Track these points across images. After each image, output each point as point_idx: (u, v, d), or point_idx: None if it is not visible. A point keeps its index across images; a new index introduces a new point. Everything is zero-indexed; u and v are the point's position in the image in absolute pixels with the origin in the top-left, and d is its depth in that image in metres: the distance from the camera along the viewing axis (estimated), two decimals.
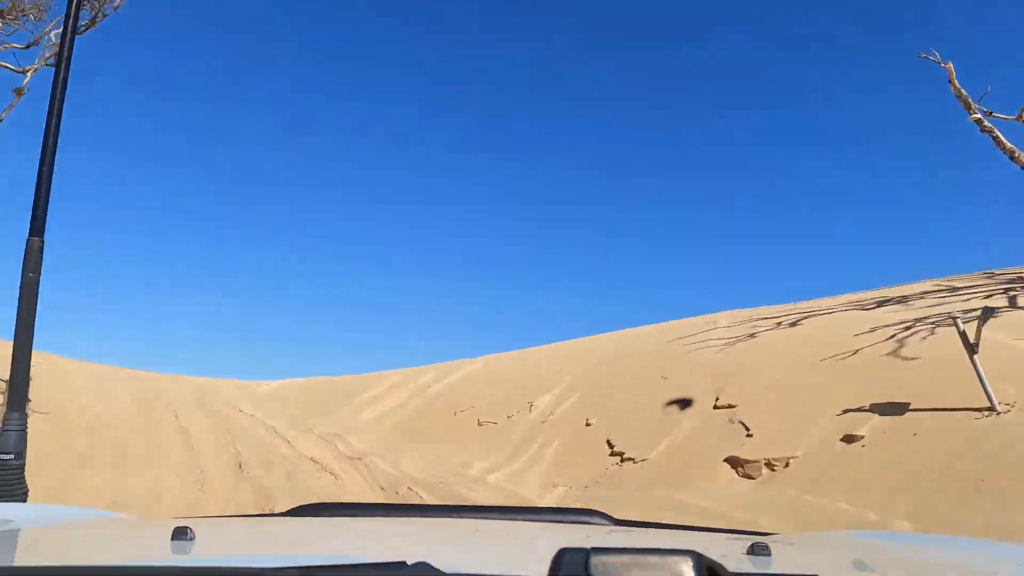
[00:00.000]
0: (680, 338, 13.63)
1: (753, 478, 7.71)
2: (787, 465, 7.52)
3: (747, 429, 8.58)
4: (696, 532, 1.94)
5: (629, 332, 16.56)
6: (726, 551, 1.41)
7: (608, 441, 9.88)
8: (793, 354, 10.32)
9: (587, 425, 10.78)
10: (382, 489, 9.25)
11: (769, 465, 7.67)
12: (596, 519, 1.83)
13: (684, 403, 10.23)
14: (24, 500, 4.86)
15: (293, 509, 1.88)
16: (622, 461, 9.24)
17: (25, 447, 5.02)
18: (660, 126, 49.31)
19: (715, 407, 9.64)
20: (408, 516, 1.96)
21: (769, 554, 1.29)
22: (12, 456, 4.92)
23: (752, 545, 1.33)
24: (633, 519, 1.95)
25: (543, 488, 9.11)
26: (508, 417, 12.29)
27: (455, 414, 13.38)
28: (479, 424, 12.45)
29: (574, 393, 12.25)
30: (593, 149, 52.05)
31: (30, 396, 5.40)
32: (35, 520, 1.77)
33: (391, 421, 14.61)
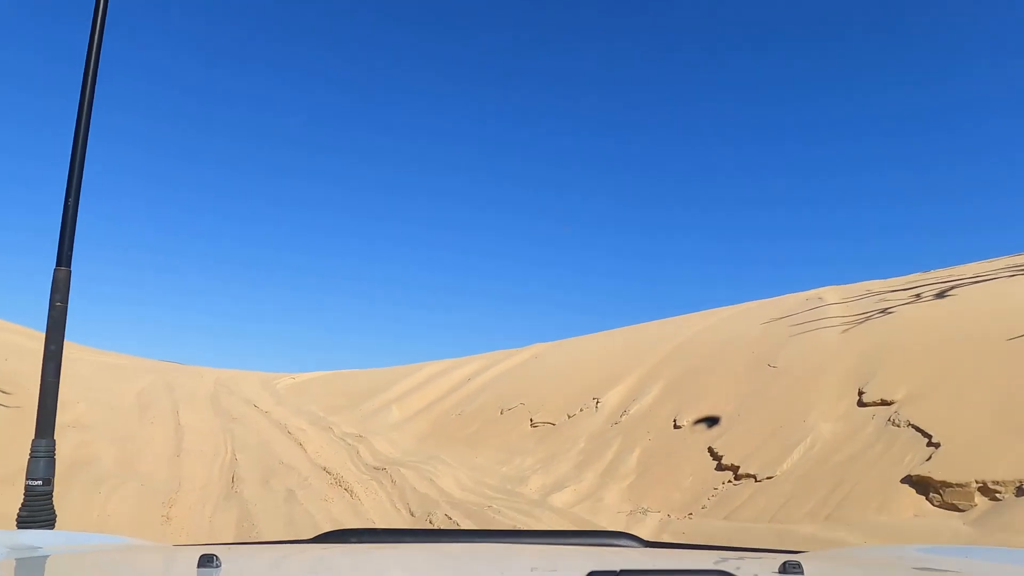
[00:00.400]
0: (782, 317, 11.00)
1: (960, 510, 5.13)
2: (1022, 492, 4.92)
3: (926, 435, 5.98)
4: (726, 551, 1.77)
5: (711, 314, 13.90)
6: (758, 570, 1.33)
7: (712, 450, 7.36)
8: (962, 332, 7.63)
9: (676, 427, 8.27)
10: (411, 515, 6.89)
11: (987, 491, 5.08)
12: (626, 541, 1.81)
13: (808, 398, 7.65)
14: (52, 527, 4.74)
15: (320, 536, 1.87)
16: (737, 478, 6.73)
17: (53, 474, 4.93)
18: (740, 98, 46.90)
19: (861, 403, 7.05)
20: (437, 542, 1.90)
21: (801, 572, 1.26)
22: (40, 483, 4.90)
23: (784, 564, 1.28)
24: None
25: (629, 516, 6.64)
26: (569, 416, 9.83)
27: (502, 412, 10.98)
28: (532, 425, 10.01)
29: (653, 386, 9.72)
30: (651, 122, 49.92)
31: None
32: (62, 547, 1.78)
33: (425, 420, 12.27)
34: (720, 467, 7.02)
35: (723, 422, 7.91)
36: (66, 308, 5.13)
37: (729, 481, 6.75)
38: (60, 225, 5.16)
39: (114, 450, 8.73)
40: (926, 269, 12.73)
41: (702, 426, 8.04)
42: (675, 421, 8.39)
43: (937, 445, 5.77)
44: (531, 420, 10.08)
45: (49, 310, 5.12)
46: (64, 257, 5.14)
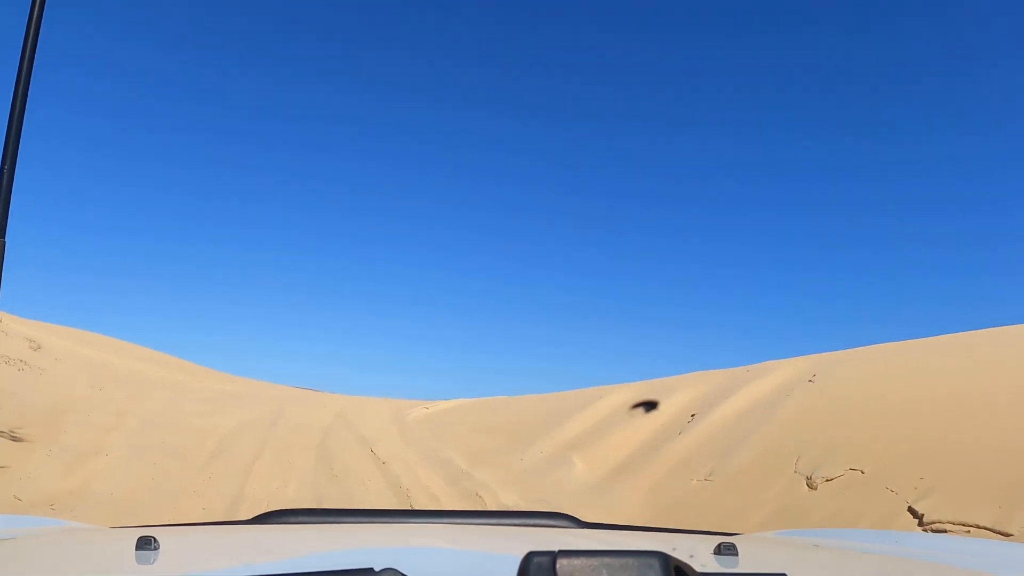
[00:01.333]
0: None
1: None
2: None
3: None
4: (663, 533, 1.88)
5: None
6: (693, 551, 1.36)
7: None
8: None
9: None
10: None
11: None
12: (564, 522, 1.81)
13: None
14: None
15: (260, 516, 1.82)
16: None
17: None
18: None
19: None
20: (378, 521, 1.88)
21: (736, 553, 1.29)
22: None
23: (719, 545, 1.32)
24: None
25: None
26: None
27: (812, 483, 5.63)
28: (916, 517, 4.61)
29: None
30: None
31: None
32: None
33: (639, 484, 7.23)
34: None
35: None
36: None
37: None
38: None
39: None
40: None
41: None
42: None
43: None
44: (909, 507, 4.69)
45: None
46: None
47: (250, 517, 1.87)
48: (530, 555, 0.85)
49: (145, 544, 1.26)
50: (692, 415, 8.66)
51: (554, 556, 0.84)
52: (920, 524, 4.59)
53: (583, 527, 1.78)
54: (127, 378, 18.65)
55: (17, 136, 4.70)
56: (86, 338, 25.41)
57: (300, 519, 1.81)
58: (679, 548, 1.24)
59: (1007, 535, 4.10)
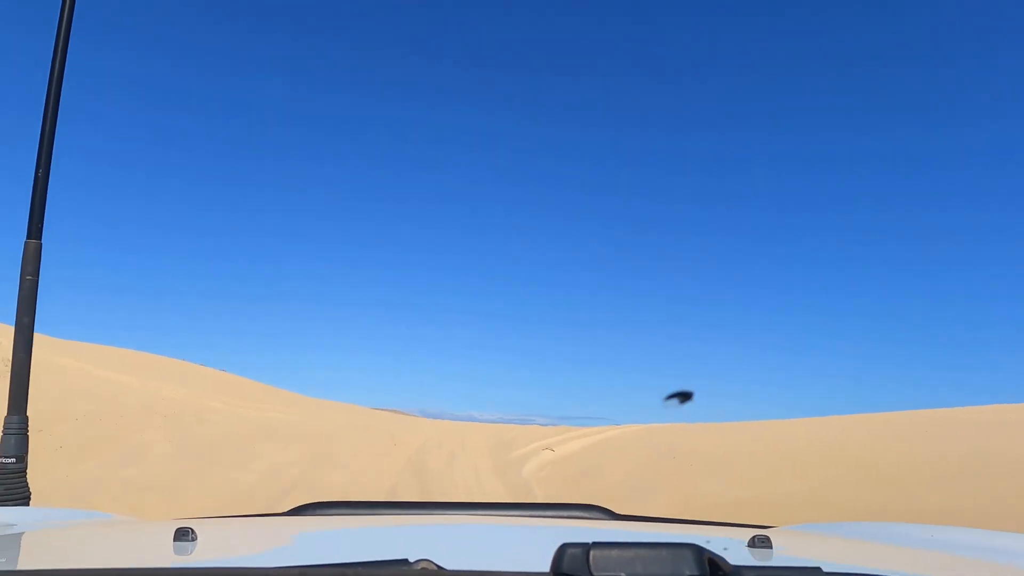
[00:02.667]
0: None
1: None
2: None
3: None
4: (697, 525, 1.86)
5: None
6: (727, 544, 1.34)
7: None
8: None
9: None
10: None
11: None
12: (597, 513, 1.81)
13: None
14: (27, 503, 4.83)
15: (296, 508, 1.84)
16: None
17: (26, 451, 5.11)
18: None
19: None
20: (412, 513, 1.87)
21: (770, 546, 1.29)
22: (13, 460, 5.03)
23: (753, 538, 1.32)
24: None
25: None
26: None
27: None
28: None
29: None
30: None
31: None
32: (38, 524, 1.77)
33: None
34: None
35: None
36: (37, 281, 5.22)
37: None
38: (31, 197, 5.32)
39: None
40: None
41: None
42: None
43: None
44: None
45: (20, 283, 5.22)
46: (34, 229, 5.28)
47: (286, 510, 1.85)
48: (564, 547, 0.84)
49: (183, 535, 1.29)
50: None
51: (588, 548, 0.82)
52: None
53: (616, 519, 1.79)
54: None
55: (50, 142, 5.24)
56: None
57: (335, 511, 1.81)
58: (713, 540, 1.24)
59: None
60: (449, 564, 0.90)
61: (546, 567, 0.84)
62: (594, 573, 0.80)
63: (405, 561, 0.88)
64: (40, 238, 5.49)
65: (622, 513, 1.86)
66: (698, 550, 0.83)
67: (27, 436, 5.41)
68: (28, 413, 5.35)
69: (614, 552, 0.81)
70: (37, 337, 5.09)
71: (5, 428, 5.26)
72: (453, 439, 14.64)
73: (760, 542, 1.29)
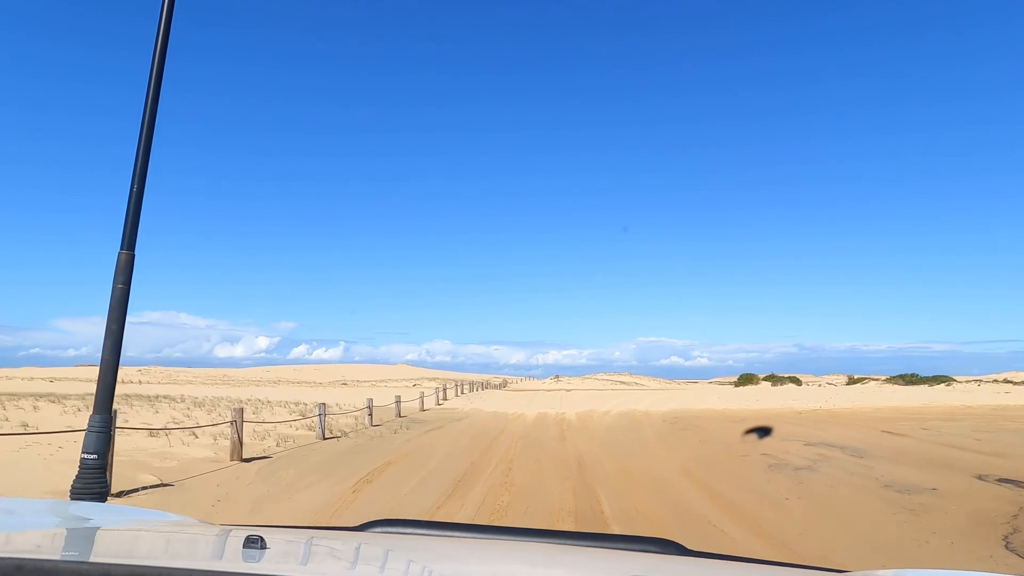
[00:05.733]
0: None
1: None
2: None
3: None
4: (770, 567, 1.76)
5: None
6: None
7: None
8: None
9: None
10: None
11: None
12: (668, 548, 1.77)
13: None
14: (104, 499, 5.17)
15: (365, 524, 1.87)
16: None
17: (106, 448, 5.38)
18: None
19: None
20: (478, 537, 1.90)
21: None
22: (95, 456, 5.26)
23: None
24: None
25: None
26: None
27: None
28: None
29: None
30: None
31: None
32: (113, 520, 1.87)
33: None
34: None
35: None
36: (128, 289, 5.58)
37: None
38: (125, 211, 5.66)
39: None
40: None
41: None
42: None
43: None
44: None
45: (112, 291, 5.58)
46: (127, 241, 5.62)
47: (356, 524, 1.93)
48: None
49: (252, 543, 1.35)
50: None
51: None
52: None
53: (688, 555, 1.74)
54: None
55: (145, 159, 5.68)
56: None
57: (403, 529, 1.83)
58: None
59: None
60: None
61: None
62: None
63: None
64: (133, 249, 5.58)
65: (694, 549, 1.81)
66: None
67: (109, 434, 5.43)
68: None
69: None
70: None
71: (89, 426, 5.37)
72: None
73: None
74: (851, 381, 72.22)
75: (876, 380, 68.85)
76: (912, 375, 60.94)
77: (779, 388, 57.04)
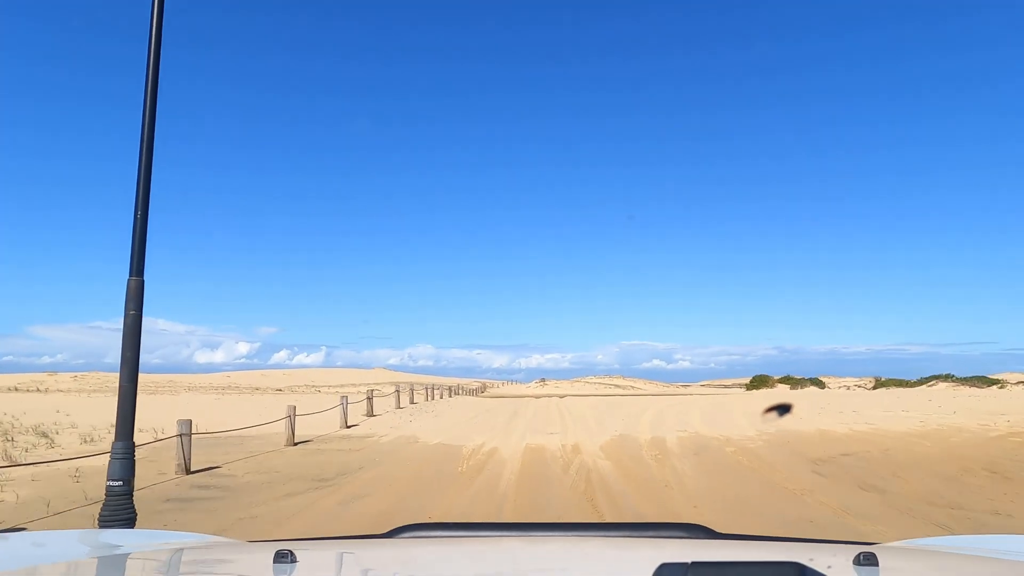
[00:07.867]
0: None
1: None
2: None
3: None
4: (799, 543, 1.79)
5: None
6: (831, 562, 1.32)
7: None
8: None
9: None
10: None
11: None
12: (695, 532, 1.81)
13: None
14: (132, 525, 5.06)
15: (394, 530, 1.86)
16: None
17: (131, 474, 5.31)
18: None
19: None
20: (508, 535, 1.90)
21: (876, 564, 1.26)
22: (120, 483, 5.21)
23: (859, 555, 1.30)
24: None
25: None
26: None
27: None
28: None
29: None
30: None
31: None
32: (142, 545, 1.86)
33: None
34: None
35: None
36: (140, 316, 5.54)
37: None
38: (131, 238, 5.65)
39: None
40: None
41: None
42: None
43: None
44: None
45: (124, 318, 5.52)
46: (136, 268, 5.57)
47: (383, 532, 1.89)
48: (662, 567, 0.83)
49: (282, 557, 1.36)
50: None
51: (686, 568, 0.80)
52: None
53: (715, 538, 1.76)
54: None
55: (147, 185, 5.59)
56: None
57: (431, 533, 1.84)
58: (816, 559, 1.22)
59: None
60: None
61: None
62: None
63: None
64: (142, 275, 5.55)
65: (722, 532, 1.84)
66: (801, 569, 0.81)
67: (133, 461, 5.41)
68: None
69: (713, 572, 0.82)
70: None
71: (112, 454, 5.32)
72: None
73: (866, 559, 1.26)
74: (878, 384, 65.03)
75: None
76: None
77: (800, 391, 53.13)
